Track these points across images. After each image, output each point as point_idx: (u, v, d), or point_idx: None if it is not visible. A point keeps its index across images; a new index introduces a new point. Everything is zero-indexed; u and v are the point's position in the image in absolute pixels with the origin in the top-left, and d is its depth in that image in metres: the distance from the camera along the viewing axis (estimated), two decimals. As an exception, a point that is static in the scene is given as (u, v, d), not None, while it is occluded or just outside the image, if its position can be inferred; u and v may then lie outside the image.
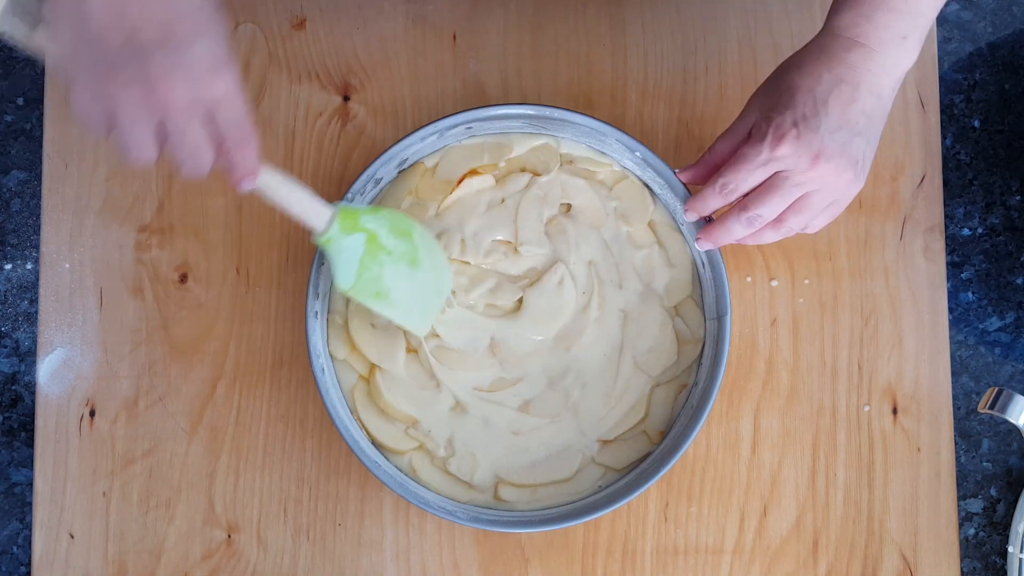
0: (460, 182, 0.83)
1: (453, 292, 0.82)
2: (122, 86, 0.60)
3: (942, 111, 0.89)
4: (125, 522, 0.85)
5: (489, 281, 0.83)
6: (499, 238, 0.83)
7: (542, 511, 0.82)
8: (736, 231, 0.77)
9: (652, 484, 0.79)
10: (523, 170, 0.84)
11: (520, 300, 0.83)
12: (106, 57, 0.60)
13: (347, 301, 0.83)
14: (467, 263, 0.83)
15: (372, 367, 0.83)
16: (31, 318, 0.87)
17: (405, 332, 0.82)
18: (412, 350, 0.83)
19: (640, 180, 0.85)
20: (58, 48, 0.62)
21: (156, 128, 0.62)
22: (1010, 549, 0.84)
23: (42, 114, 0.88)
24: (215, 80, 0.62)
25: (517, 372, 0.83)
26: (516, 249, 0.83)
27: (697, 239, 0.81)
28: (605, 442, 0.84)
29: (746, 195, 0.76)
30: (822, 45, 0.73)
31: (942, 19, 0.90)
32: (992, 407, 0.78)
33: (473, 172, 0.83)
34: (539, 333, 0.83)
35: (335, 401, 0.81)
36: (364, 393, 0.83)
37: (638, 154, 0.82)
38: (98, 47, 0.60)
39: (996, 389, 0.78)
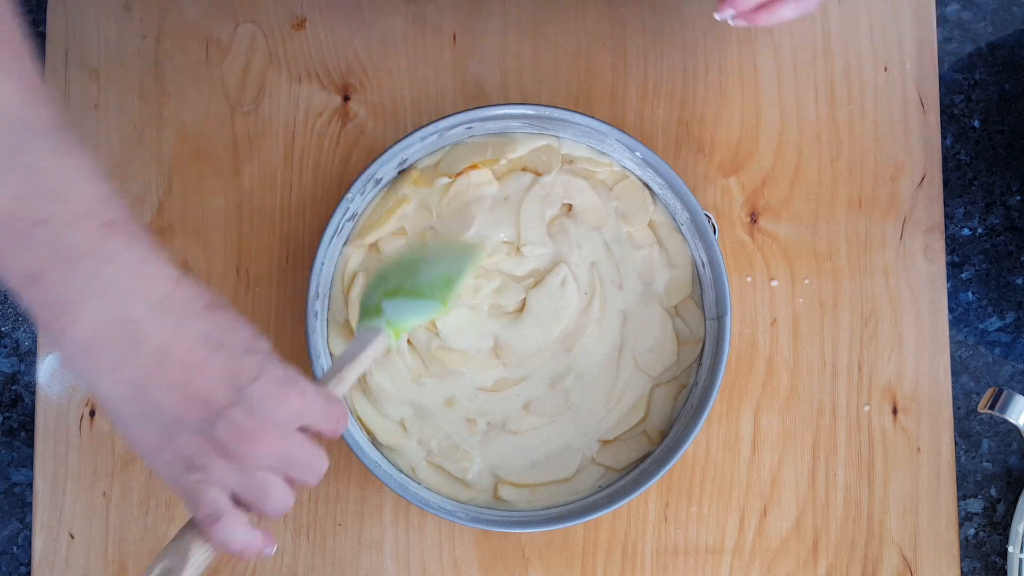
0: (459, 175, 0.83)
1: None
2: (210, 456, 0.59)
3: (942, 111, 0.89)
4: (125, 522, 0.85)
5: (494, 281, 0.83)
6: (502, 238, 0.83)
7: (542, 511, 0.82)
8: (785, 14, 0.74)
9: (652, 484, 0.79)
10: (524, 170, 0.84)
11: (523, 301, 0.83)
12: (184, 433, 0.59)
13: (347, 292, 0.83)
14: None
15: None
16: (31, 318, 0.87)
17: None
18: (410, 343, 0.83)
19: (640, 180, 0.85)
20: (120, 424, 0.60)
21: (235, 487, 0.60)
22: (1010, 549, 0.84)
23: (42, 114, 0.88)
24: (295, 423, 0.61)
25: (520, 372, 0.83)
26: (519, 249, 0.83)
27: (721, 8, 0.75)
28: (605, 442, 0.84)
29: None
30: None
31: (942, 19, 0.90)
32: (992, 407, 0.78)
33: (473, 167, 0.83)
34: (542, 334, 0.83)
35: (335, 401, 0.81)
36: (361, 392, 0.83)
37: (638, 154, 0.82)
38: (176, 428, 0.59)
39: (996, 389, 0.78)
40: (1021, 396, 0.77)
